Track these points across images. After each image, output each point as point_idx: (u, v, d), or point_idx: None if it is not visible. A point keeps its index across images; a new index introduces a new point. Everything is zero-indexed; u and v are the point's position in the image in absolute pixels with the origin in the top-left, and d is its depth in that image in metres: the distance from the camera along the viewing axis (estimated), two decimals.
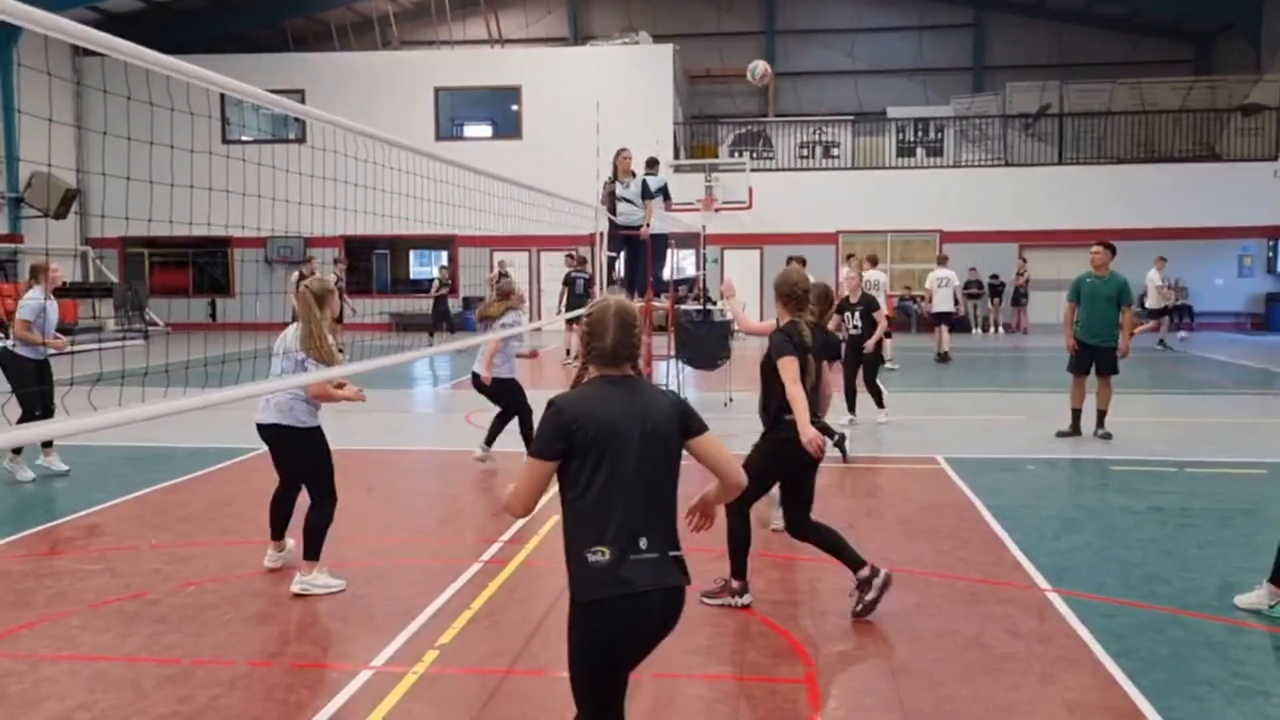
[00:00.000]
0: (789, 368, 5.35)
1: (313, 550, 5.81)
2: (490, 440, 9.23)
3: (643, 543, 3.03)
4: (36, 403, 8.63)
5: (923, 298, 26.65)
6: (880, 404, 11.53)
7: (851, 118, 29.97)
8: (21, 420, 8.32)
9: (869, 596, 5.35)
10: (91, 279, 27.99)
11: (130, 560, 6.47)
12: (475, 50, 31.50)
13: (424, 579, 6.09)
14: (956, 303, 19.51)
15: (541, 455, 3.05)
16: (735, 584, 5.59)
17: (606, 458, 3.03)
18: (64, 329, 9.38)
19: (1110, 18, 31.52)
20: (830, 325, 11.61)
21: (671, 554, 3.10)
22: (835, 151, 29.15)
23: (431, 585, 5.88)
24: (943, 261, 19.86)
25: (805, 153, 29.29)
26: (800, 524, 5.61)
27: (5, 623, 5.32)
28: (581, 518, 3.05)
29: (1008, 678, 4.64)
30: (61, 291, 10.22)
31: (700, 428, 3.21)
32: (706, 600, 5.56)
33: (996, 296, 26.77)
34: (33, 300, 8.72)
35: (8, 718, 4.20)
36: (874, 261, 16.69)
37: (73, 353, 9.11)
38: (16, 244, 25.99)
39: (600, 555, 2.98)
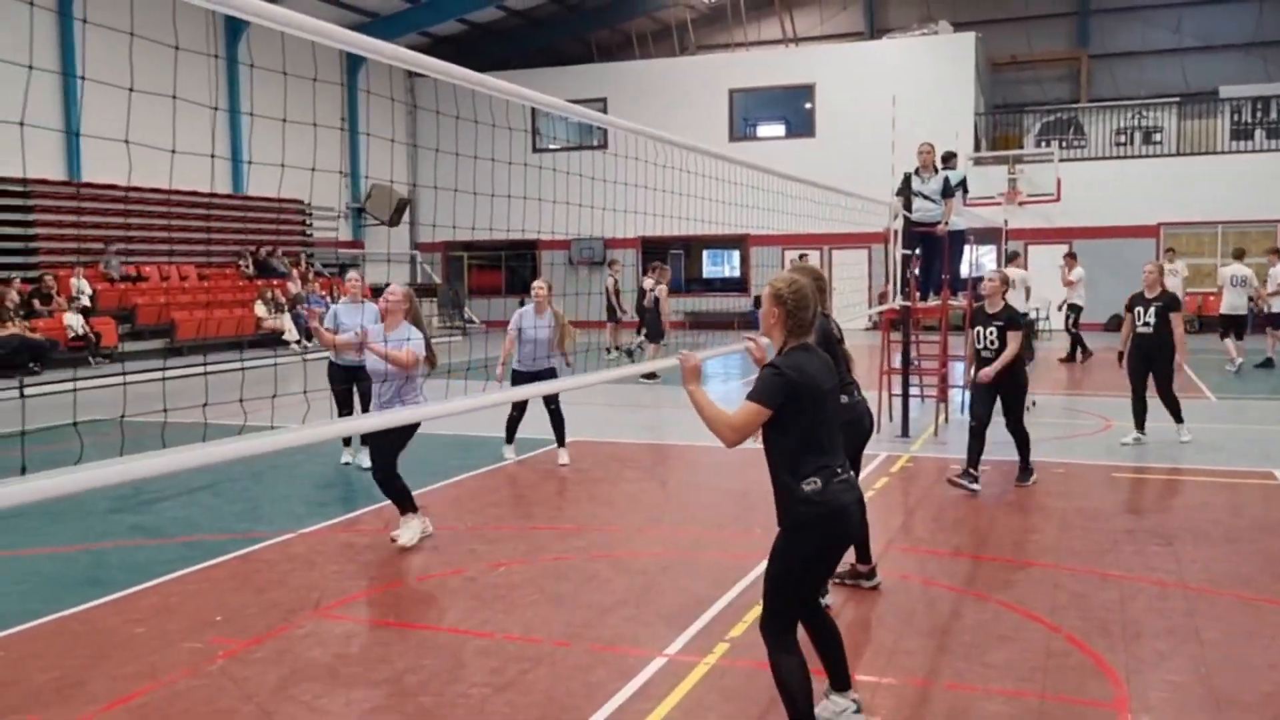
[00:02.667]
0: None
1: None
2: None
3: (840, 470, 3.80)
4: (346, 401, 8.97)
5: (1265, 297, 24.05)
6: (1179, 418, 10.10)
7: (1177, 99, 27.51)
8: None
9: (847, 580, 5.84)
10: (419, 281, 30.72)
11: (449, 539, 7.06)
12: (769, 50, 31.68)
13: (715, 572, 6.23)
14: None
15: (765, 404, 3.67)
16: (863, 568, 5.89)
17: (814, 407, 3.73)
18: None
19: None
20: (1124, 325, 10.53)
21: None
22: (1157, 137, 26.87)
23: (722, 579, 6.01)
24: None
25: (1122, 139, 27.20)
26: None
27: (348, 590, 5.97)
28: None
29: None
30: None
31: None
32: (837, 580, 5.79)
33: None
34: (332, 309, 9.31)
35: (350, 676, 4.73)
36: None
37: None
38: (358, 249, 28.97)
39: (813, 484, 3.72)
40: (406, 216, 29.36)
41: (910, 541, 6.90)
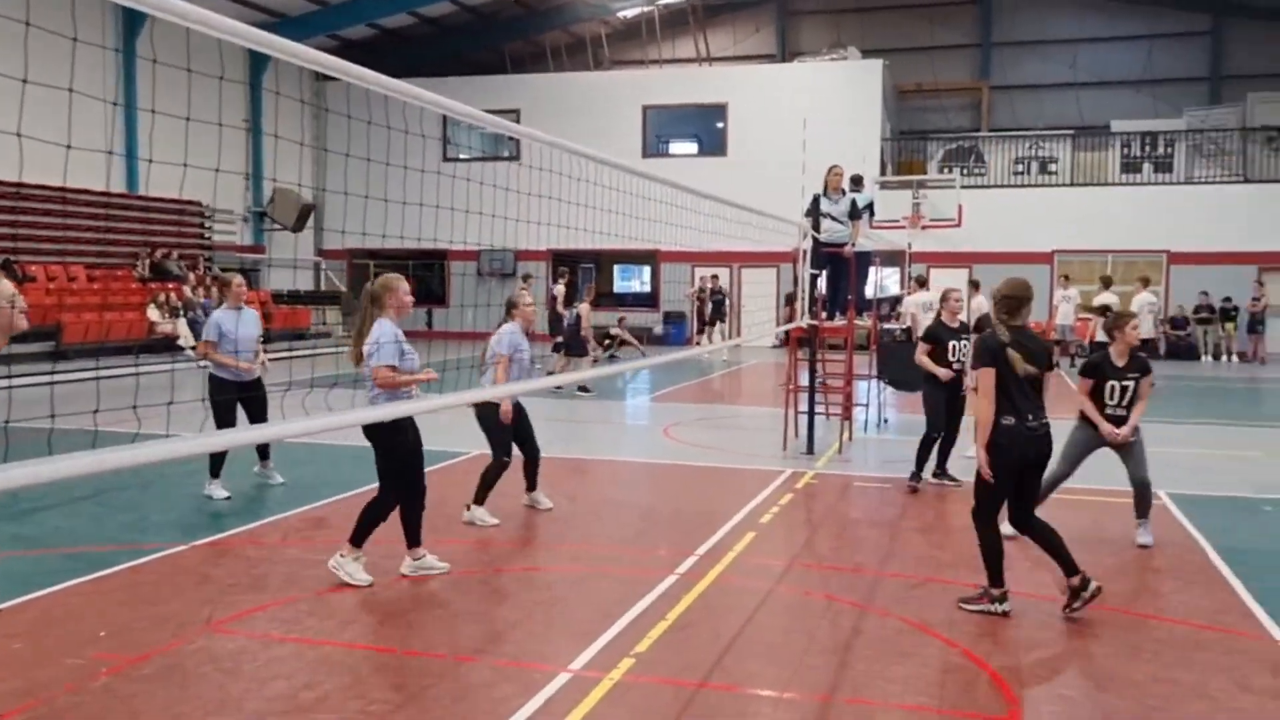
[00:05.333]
0: (985, 378, 5.74)
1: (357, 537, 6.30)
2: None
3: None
4: (229, 418, 8.26)
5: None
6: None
7: (1072, 132, 28.62)
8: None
9: (1075, 606, 5.71)
10: (322, 288, 30.11)
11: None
12: (683, 69, 31.97)
13: (621, 587, 6.21)
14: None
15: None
16: (995, 591, 5.83)
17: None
18: (298, 334, 9.70)
19: None
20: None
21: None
22: (1053, 167, 27.91)
23: (628, 594, 6.00)
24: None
25: (1020, 168, 28.18)
26: (1024, 519, 5.95)
27: (242, 604, 5.78)
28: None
29: None
30: (295, 298, 10.55)
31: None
32: (964, 605, 5.85)
33: (1229, 322, 24.88)
34: (212, 318, 8.64)
35: (242, 693, 4.56)
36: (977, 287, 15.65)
37: (294, 356, 9.70)
38: (259, 254, 28.27)
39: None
40: (311, 222, 28.76)
41: (814, 558, 6.98)
